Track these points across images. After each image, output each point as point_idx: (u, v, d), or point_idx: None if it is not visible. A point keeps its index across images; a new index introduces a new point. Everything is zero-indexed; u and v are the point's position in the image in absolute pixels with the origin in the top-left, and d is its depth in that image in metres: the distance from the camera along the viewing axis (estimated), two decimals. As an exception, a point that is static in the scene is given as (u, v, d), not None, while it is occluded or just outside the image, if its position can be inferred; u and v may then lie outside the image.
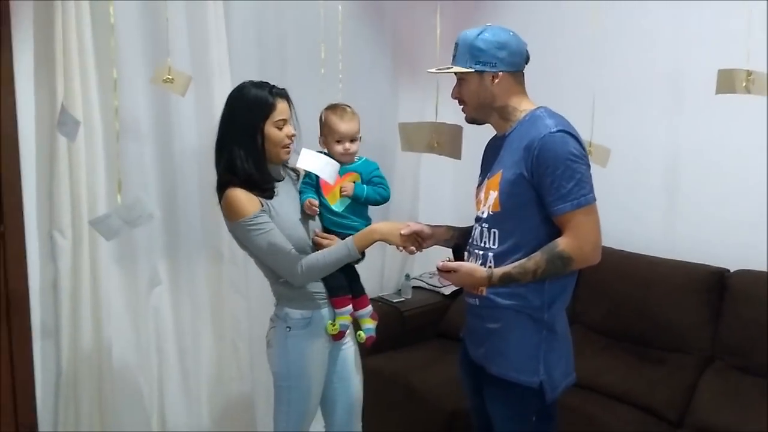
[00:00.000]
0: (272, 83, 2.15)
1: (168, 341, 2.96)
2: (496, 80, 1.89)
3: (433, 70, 1.99)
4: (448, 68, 1.94)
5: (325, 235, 2.20)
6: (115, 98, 2.27)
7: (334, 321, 2.22)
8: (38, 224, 2.66)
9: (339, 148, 2.20)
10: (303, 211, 2.21)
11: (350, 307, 2.26)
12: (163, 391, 2.96)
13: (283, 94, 2.14)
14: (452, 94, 1.99)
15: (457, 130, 2.09)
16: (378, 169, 2.29)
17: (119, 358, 2.82)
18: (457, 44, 1.94)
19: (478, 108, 1.95)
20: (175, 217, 2.95)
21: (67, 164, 2.60)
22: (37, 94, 2.59)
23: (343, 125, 2.18)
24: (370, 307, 2.36)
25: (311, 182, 2.24)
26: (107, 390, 2.77)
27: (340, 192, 2.21)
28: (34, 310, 2.68)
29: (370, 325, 2.34)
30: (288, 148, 2.14)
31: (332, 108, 2.24)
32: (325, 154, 2.15)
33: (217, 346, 3.05)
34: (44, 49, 2.56)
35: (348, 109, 2.24)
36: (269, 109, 2.08)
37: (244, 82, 2.15)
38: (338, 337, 2.24)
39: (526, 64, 1.96)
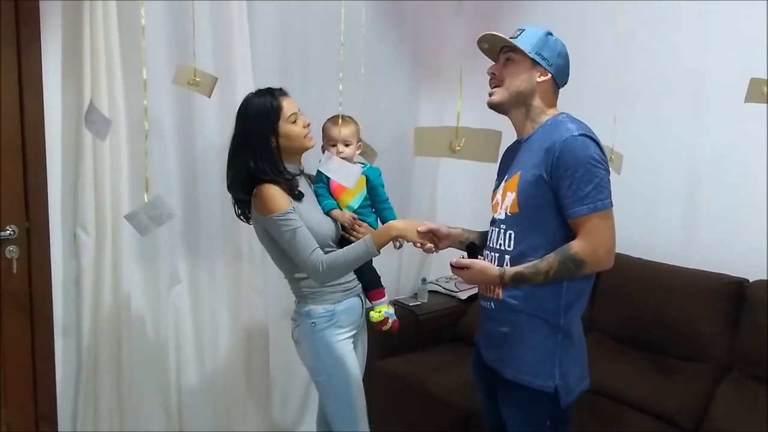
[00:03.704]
0: (277, 87, 2.23)
1: (187, 339, 3.00)
2: (543, 78, 1.92)
3: (498, 33, 1.94)
4: (512, 39, 1.91)
5: (361, 223, 2.32)
6: (145, 98, 2.31)
7: (373, 309, 2.35)
8: (62, 221, 2.71)
9: (333, 151, 2.31)
10: (324, 212, 2.29)
11: (386, 298, 2.36)
12: (181, 388, 3.00)
13: (285, 93, 2.23)
14: (492, 69, 1.97)
15: (494, 135, 2.02)
16: (380, 176, 2.42)
17: (138, 355, 2.85)
18: (523, 29, 1.94)
19: (513, 94, 1.93)
20: (195, 217, 2.99)
21: (91, 163, 2.64)
22: (64, 93, 2.64)
23: (335, 129, 2.31)
24: (386, 297, 2.46)
25: (325, 185, 2.34)
26: (126, 385, 2.81)
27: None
28: (56, 306, 2.73)
29: (390, 310, 2.42)
30: (309, 135, 2.23)
31: (329, 118, 2.37)
32: None
33: (235, 345, 3.07)
34: (72, 49, 2.61)
35: (345, 116, 2.34)
36: (278, 111, 2.17)
37: (247, 96, 2.23)
38: (382, 324, 2.33)
39: (563, 86, 1.99)
